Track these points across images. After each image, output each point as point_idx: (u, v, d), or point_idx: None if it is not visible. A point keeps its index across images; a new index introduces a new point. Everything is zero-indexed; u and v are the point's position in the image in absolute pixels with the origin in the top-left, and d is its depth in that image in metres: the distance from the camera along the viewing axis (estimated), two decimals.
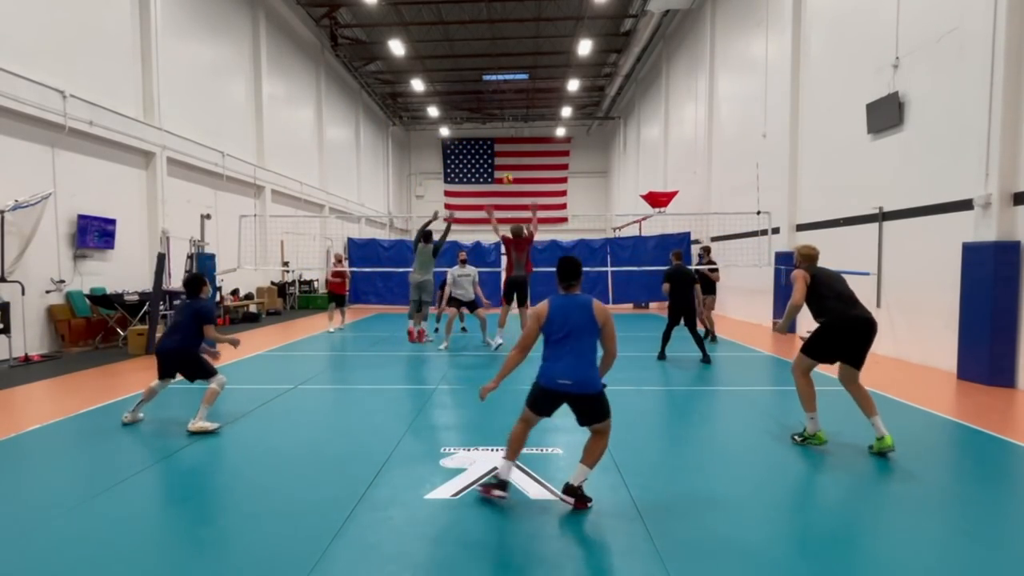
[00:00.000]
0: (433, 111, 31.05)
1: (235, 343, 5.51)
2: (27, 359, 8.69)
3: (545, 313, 3.42)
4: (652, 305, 18.36)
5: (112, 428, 5.18)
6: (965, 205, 7.28)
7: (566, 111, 31.21)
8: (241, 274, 14.87)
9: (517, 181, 33.09)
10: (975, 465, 4.32)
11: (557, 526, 3.21)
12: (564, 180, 35.05)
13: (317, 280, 20.57)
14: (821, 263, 4.68)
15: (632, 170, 27.81)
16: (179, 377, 5.25)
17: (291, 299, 19.06)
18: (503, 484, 3.45)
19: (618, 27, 21.70)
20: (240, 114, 16.54)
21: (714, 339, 10.51)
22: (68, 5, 10.16)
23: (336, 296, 12.41)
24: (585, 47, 20.87)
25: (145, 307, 10.03)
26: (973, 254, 7.01)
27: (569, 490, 3.38)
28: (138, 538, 3.07)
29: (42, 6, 9.59)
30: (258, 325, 14.03)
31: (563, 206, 34.35)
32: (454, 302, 9.96)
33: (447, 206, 34.52)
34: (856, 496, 3.68)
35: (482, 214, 10.15)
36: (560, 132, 34.29)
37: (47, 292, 9.62)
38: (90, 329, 10.13)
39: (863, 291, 8.98)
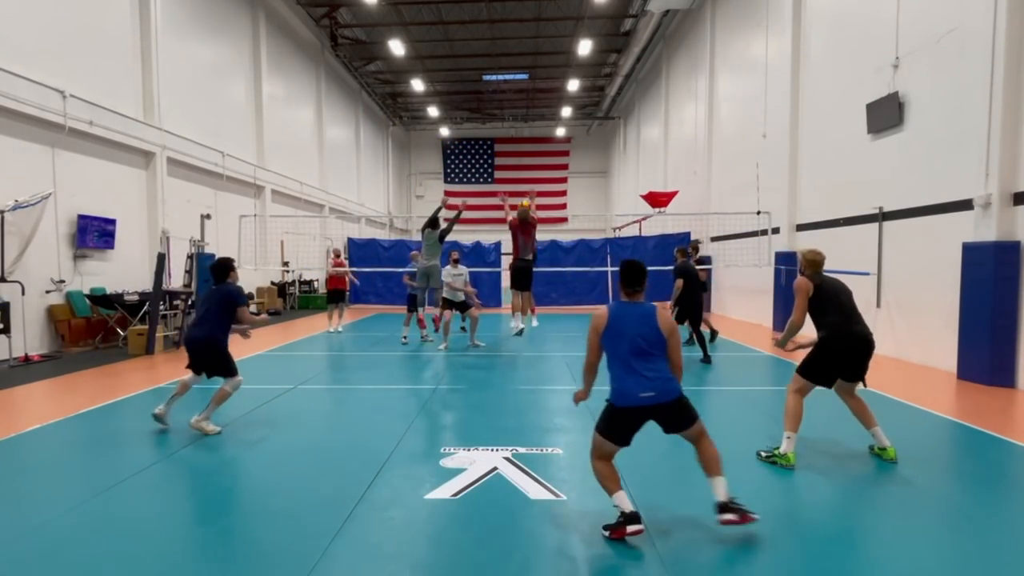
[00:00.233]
0: (433, 111, 31.05)
1: (267, 322, 5.42)
2: (27, 359, 8.69)
3: (604, 323, 3.10)
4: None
5: (112, 428, 5.18)
6: (965, 205, 7.28)
7: (566, 111, 31.21)
8: (241, 274, 14.78)
9: (517, 181, 33.15)
10: (975, 465, 4.31)
11: (557, 526, 3.21)
12: (564, 180, 35.07)
13: (317, 280, 20.57)
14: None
15: (632, 170, 27.81)
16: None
17: (291, 299, 19.06)
18: (634, 516, 2.95)
19: (618, 27, 21.70)
20: (240, 114, 16.54)
21: (713, 338, 10.50)
22: (68, 5, 10.16)
23: (336, 294, 12.21)
24: (585, 47, 20.87)
25: (145, 307, 10.03)
26: (973, 254, 7.00)
27: (724, 507, 2.96)
28: (138, 538, 3.07)
29: (42, 6, 9.59)
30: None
31: (563, 206, 34.36)
32: (446, 303, 9.88)
33: (447, 206, 34.53)
34: (856, 497, 3.68)
35: (482, 214, 10.17)
36: (560, 132, 34.30)
37: (47, 292, 9.61)
38: (90, 329, 10.13)
39: (863, 291, 9.01)
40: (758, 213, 12.95)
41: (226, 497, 3.70)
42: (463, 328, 11.88)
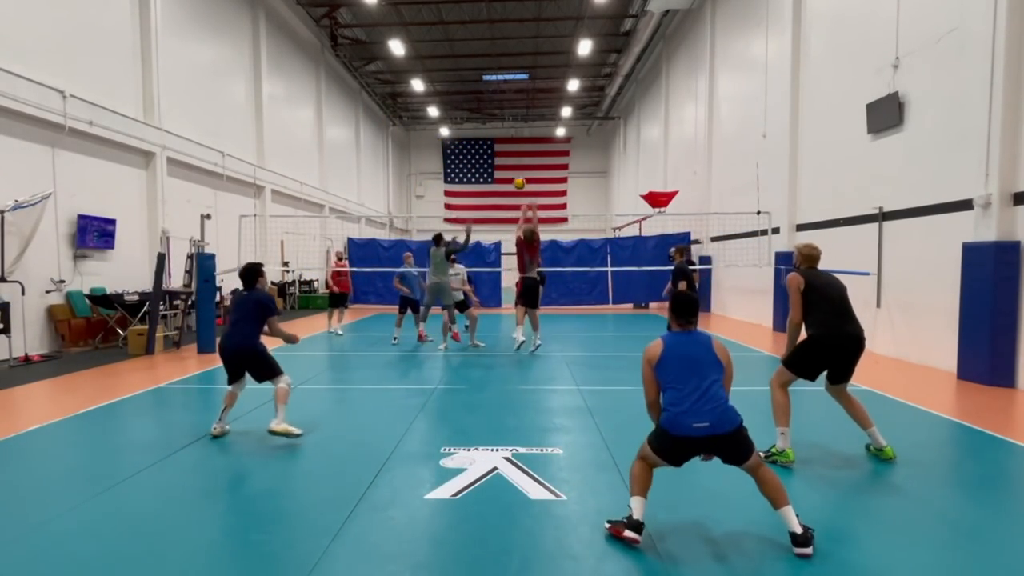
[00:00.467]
0: (433, 111, 31.06)
1: (294, 340, 5.25)
2: (27, 359, 8.69)
3: (658, 354, 3.08)
4: (652, 305, 18.35)
5: (112, 428, 5.18)
6: (965, 205, 7.28)
7: (566, 111, 31.22)
8: None
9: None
10: (975, 465, 4.31)
11: (557, 526, 3.21)
12: (564, 180, 35.10)
13: (317, 280, 20.57)
14: (822, 265, 4.48)
15: (632, 170, 27.82)
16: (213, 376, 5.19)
17: (291, 299, 19.06)
18: (637, 525, 2.94)
19: (618, 27, 21.71)
20: (240, 114, 16.55)
21: None
22: (68, 5, 10.16)
23: (338, 296, 12.05)
24: (585, 47, 20.89)
25: (145, 307, 10.03)
26: (973, 254, 7.00)
27: (799, 540, 2.83)
28: (138, 538, 3.07)
29: (42, 6, 9.60)
30: None
31: (563, 206, 34.39)
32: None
33: (447, 206, 34.58)
34: (855, 497, 3.68)
35: (482, 215, 10.17)
36: (560, 132, 34.32)
37: (47, 292, 9.62)
38: (90, 329, 10.13)
39: (863, 291, 9.01)
40: (758, 213, 12.95)
41: (226, 497, 3.70)
42: (465, 327, 11.85)
